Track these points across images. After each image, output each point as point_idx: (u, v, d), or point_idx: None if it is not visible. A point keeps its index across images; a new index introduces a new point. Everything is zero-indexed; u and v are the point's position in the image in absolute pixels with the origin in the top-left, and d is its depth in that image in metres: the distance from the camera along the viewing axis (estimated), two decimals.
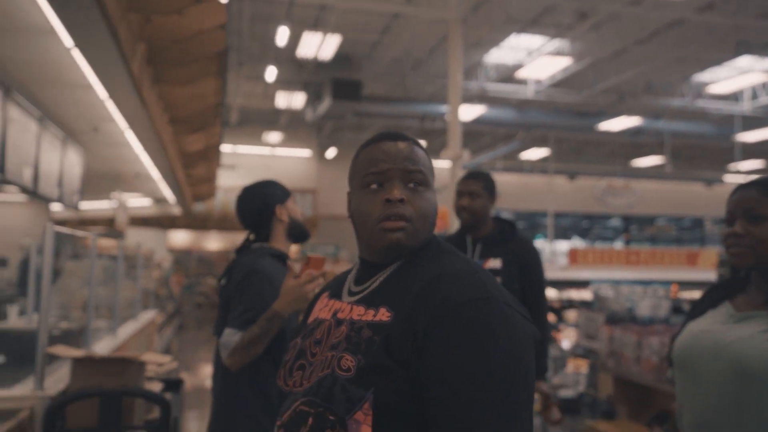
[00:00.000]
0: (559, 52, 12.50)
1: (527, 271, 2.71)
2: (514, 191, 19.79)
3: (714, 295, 1.62)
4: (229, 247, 16.92)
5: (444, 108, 12.34)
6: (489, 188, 2.65)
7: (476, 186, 2.73)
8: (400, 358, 0.87)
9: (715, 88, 14.64)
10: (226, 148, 14.58)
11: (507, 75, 13.61)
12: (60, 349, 2.71)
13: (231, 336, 1.91)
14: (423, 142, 1.16)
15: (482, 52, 12.63)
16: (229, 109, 15.42)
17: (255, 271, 2.00)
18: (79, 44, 4.23)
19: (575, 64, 12.90)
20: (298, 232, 2.23)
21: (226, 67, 7.40)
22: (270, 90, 14.25)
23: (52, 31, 4.09)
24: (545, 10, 10.53)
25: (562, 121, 15.14)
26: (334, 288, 1.16)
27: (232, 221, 16.02)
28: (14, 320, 5.44)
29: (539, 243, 19.81)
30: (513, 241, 2.76)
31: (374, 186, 1.02)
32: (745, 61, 12.94)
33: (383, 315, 0.93)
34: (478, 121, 14.24)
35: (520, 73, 13.44)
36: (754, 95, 14.57)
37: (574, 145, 19.88)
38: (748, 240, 1.43)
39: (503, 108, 14.32)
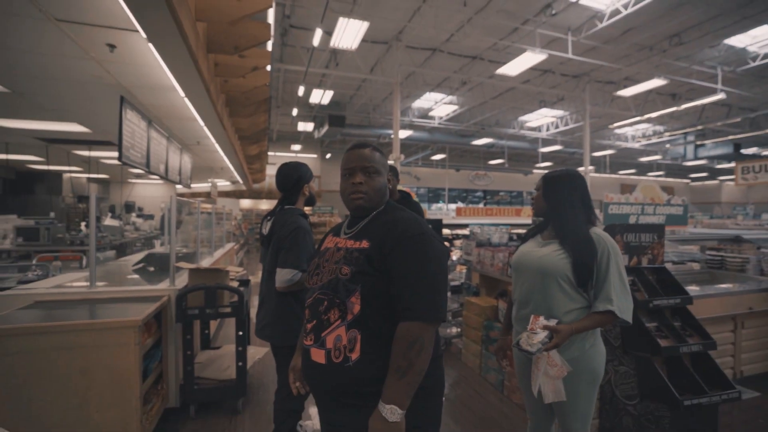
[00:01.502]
0: (451, 102, 12.69)
1: None
2: (427, 177, 20.45)
3: (532, 231, 1.60)
4: (272, 207, 17.07)
5: (391, 131, 12.13)
6: (394, 174, 2.17)
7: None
8: (376, 266, 0.98)
9: (530, 124, 15.04)
10: (270, 153, 14.48)
11: (424, 113, 13.71)
12: (182, 264, 2.62)
13: (292, 275, 1.71)
14: (379, 147, 1.16)
15: (411, 101, 12.63)
16: (272, 131, 15.31)
17: (300, 227, 1.77)
18: (188, 95, 4.07)
19: (460, 108, 13.07)
20: (311, 201, 2.01)
21: (269, 107, 7.45)
22: (294, 121, 13.99)
23: (173, 88, 3.93)
24: (444, 80, 10.71)
25: (452, 139, 15.29)
26: (335, 230, 1.16)
27: (275, 193, 15.73)
28: (158, 248, 5.32)
29: (440, 205, 20.10)
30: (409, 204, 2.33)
31: (347, 175, 1.08)
32: (543, 111, 13.43)
33: (364, 243, 1.01)
34: (409, 139, 14.40)
35: (431, 113, 13.57)
36: (548, 128, 15.17)
37: (459, 152, 20.02)
38: (534, 199, 1.54)
39: (422, 132, 14.41)
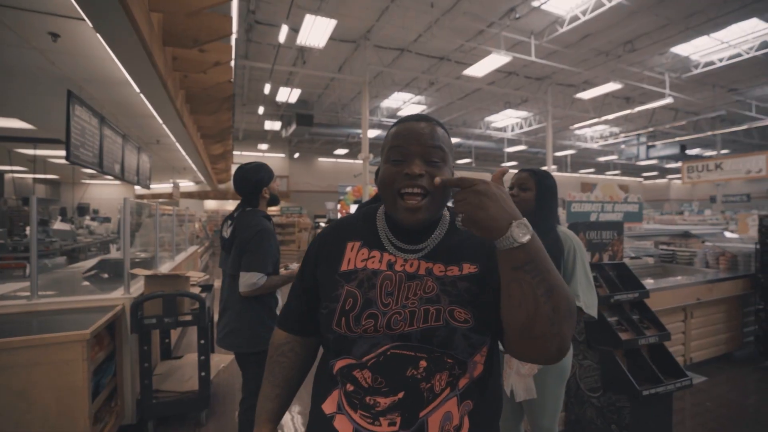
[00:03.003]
0: (419, 102, 12.81)
1: None
2: None
3: None
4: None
5: (359, 130, 11.93)
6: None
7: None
8: (491, 297, 0.67)
9: (496, 124, 15.47)
10: (236, 152, 14.21)
11: (393, 113, 13.76)
12: (138, 270, 2.52)
13: (257, 279, 1.64)
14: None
15: (380, 101, 12.58)
16: (238, 130, 14.92)
17: (264, 229, 1.70)
18: (143, 91, 3.90)
19: (428, 108, 13.19)
20: (274, 201, 1.90)
21: (234, 105, 7.35)
22: (261, 119, 13.74)
23: (127, 82, 3.78)
24: (413, 79, 10.80)
25: None
26: (362, 237, 0.76)
27: None
28: (114, 253, 5.17)
29: None
30: None
31: (397, 160, 0.70)
32: (508, 112, 13.74)
33: (470, 268, 0.69)
34: (378, 138, 14.53)
35: (400, 113, 13.58)
36: (513, 129, 15.57)
37: None
38: (520, 200, 1.47)
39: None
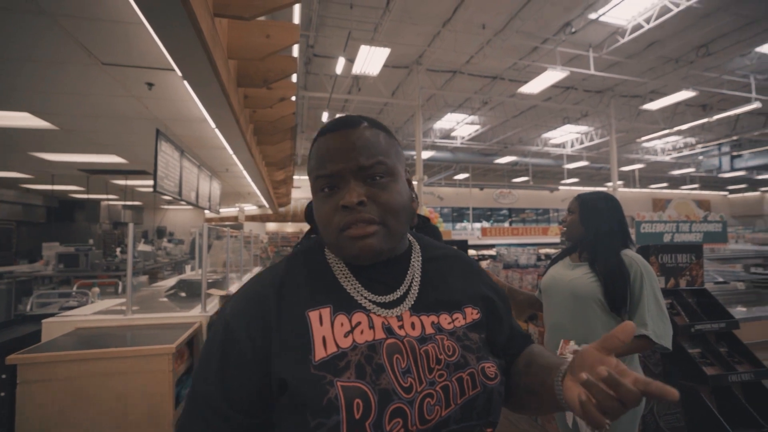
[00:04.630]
0: (473, 122, 12.69)
1: None
2: (450, 196, 20.03)
3: (562, 254, 1.58)
4: (299, 231, 16.81)
5: (413, 152, 11.85)
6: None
7: None
8: (497, 337, 0.60)
9: (553, 141, 14.93)
10: (295, 177, 14.60)
11: (446, 134, 13.69)
12: (213, 290, 2.64)
13: None
14: (379, 122, 0.58)
15: (433, 122, 12.63)
16: (297, 156, 15.95)
17: None
18: (218, 126, 4.06)
19: (482, 128, 13.02)
20: None
21: (295, 134, 7.64)
22: None
23: (205, 120, 4.03)
24: (466, 100, 10.77)
25: (475, 158, 15.16)
26: (332, 298, 0.53)
27: (299, 216, 16.14)
28: (189, 273, 5.34)
29: (465, 225, 19.84)
30: (427, 229, 2.32)
31: (326, 188, 0.54)
32: (567, 127, 13.24)
33: (473, 314, 0.58)
34: (431, 159, 14.41)
35: (453, 133, 13.49)
36: (573, 144, 14.95)
37: (481, 171, 19.81)
38: (568, 224, 1.50)
39: (444, 152, 14.41)
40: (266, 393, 0.49)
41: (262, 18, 2.60)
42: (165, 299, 3.21)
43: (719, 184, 23.72)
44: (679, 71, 8.99)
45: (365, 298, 0.54)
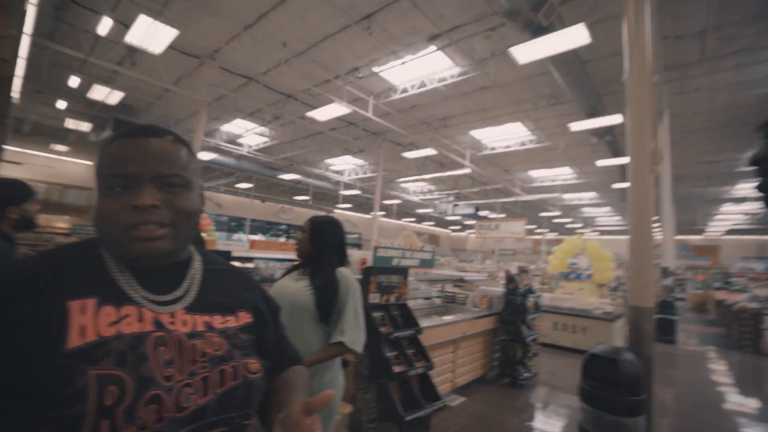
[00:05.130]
0: (263, 133, 12.68)
1: None
2: (230, 204, 19.14)
3: (292, 269, 1.65)
4: None
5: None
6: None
7: None
8: (264, 342, 0.67)
9: (334, 167, 16.28)
10: (14, 148, 11.53)
11: (233, 139, 13.16)
12: None
13: None
14: (184, 139, 0.61)
15: (220, 124, 11.94)
16: (22, 121, 11.76)
17: None
18: None
19: (271, 141, 13.14)
20: (25, 225, 1.59)
21: (9, 90, 6.49)
22: (61, 115, 11.24)
23: None
24: (257, 110, 10.63)
25: (260, 170, 14.94)
26: (100, 290, 0.53)
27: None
28: None
29: (240, 236, 18.88)
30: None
31: (122, 188, 0.54)
32: (347, 158, 14.56)
33: (246, 317, 0.64)
34: (213, 162, 13.40)
35: (241, 140, 13.23)
36: (349, 174, 16.60)
37: (266, 184, 19.50)
38: (300, 241, 1.64)
39: (228, 157, 13.72)
40: None
41: None
42: None
43: (446, 224, 31.52)
44: (428, 133, 11.58)
45: (139, 294, 0.56)
